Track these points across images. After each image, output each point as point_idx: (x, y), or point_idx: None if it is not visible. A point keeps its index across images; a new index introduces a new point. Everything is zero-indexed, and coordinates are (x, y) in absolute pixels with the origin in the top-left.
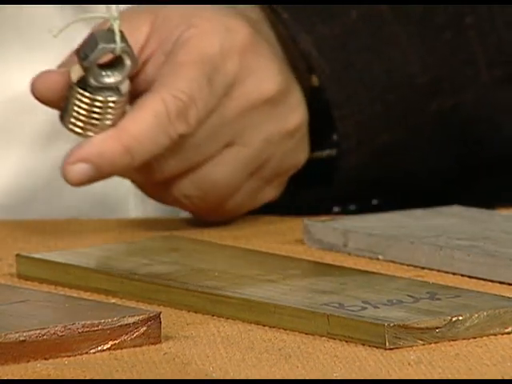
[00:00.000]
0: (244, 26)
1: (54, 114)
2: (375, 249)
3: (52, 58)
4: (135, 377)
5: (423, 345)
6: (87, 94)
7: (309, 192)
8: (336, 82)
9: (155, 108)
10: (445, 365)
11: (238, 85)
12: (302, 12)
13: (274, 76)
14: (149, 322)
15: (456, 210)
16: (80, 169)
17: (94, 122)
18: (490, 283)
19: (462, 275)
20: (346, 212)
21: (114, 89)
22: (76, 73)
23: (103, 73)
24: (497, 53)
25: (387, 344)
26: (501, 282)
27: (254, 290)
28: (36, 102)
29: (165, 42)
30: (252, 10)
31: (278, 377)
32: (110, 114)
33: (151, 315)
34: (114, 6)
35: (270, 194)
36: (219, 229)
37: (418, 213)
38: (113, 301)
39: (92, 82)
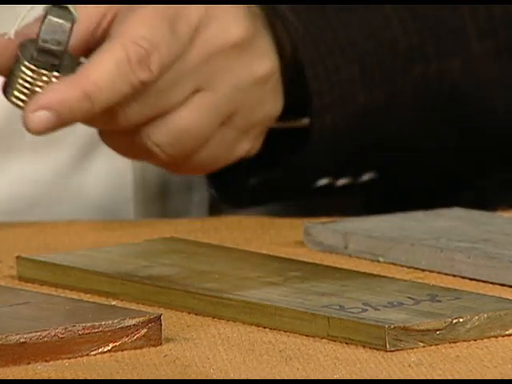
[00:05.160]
0: None
1: None
2: (376, 251)
3: None
4: (136, 378)
5: (424, 347)
6: (33, 67)
7: (289, 160)
8: (310, 41)
9: (116, 54)
10: (445, 367)
11: (203, 30)
12: None
13: (241, 21)
14: (149, 324)
15: (456, 212)
16: (41, 116)
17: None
18: (490, 285)
19: (463, 277)
20: (333, 186)
21: (57, 64)
22: (25, 48)
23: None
24: (487, 24)
25: (388, 346)
26: (501, 284)
27: (254, 292)
28: None
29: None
30: None
31: (279, 378)
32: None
33: (152, 317)
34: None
35: (247, 145)
36: (219, 230)
37: (419, 215)
38: (113, 303)
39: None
